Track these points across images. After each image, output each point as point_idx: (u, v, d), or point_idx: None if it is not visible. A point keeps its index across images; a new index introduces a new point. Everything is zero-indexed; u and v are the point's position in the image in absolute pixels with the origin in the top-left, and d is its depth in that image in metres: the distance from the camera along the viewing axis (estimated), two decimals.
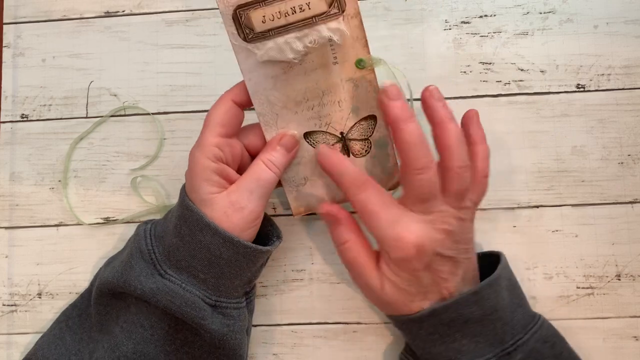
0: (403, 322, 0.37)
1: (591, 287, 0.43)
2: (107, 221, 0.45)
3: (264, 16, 0.35)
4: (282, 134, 0.38)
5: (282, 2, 0.34)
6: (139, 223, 0.43)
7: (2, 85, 0.47)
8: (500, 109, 0.44)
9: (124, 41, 0.47)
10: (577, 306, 0.43)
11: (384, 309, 0.39)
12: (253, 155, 0.39)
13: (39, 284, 0.45)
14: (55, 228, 0.46)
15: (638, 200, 0.43)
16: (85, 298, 0.42)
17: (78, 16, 0.47)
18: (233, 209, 0.37)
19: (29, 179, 0.46)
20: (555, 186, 0.44)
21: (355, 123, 0.39)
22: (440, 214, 0.36)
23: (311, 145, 0.39)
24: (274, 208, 0.45)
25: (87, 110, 0.46)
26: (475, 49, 0.45)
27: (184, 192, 0.38)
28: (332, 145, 0.39)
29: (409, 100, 0.39)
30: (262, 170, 0.37)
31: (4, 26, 0.47)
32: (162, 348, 0.37)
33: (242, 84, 0.37)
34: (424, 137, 0.35)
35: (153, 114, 0.46)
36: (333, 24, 0.35)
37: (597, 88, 0.44)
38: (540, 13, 0.45)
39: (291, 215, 0.43)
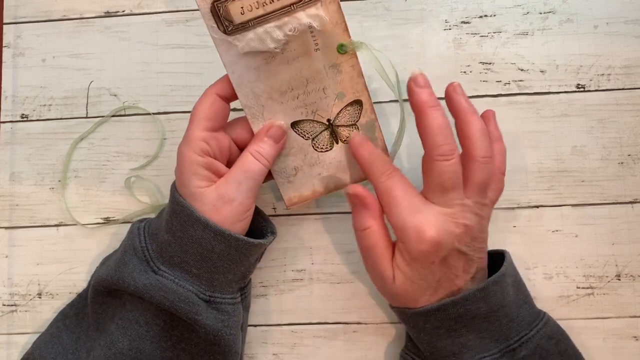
0: (409, 315, 0.37)
1: (591, 287, 0.43)
2: (107, 221, 0.45)
3: (242, 7, 0.35)
4: (270, 125, 0.38)
5: None
6: None
7: (2, 85, 0.47)
8: (500, 109, 0.44)
9: (124, 41, 0.47)
10: (577, 306, 0.43)
11: (392, 301, 0.39)
12: (241, 149, 0.39)
13: (39, 284, 0.45)
14: (55, 228, 0.46)
15: (638, 200, 0.43)
16: (82, 297, 0.42)
17: (78, 16, 0.47)
18: (222, 202, 0.37)
19: (29, 179, 0.46)
20: (555, 186, 0.44)
21: (342, 109, 0.39)
22: (461, 208, 0.36)
23: (299, 135, 0.39)
24: (274, 208, 0.45)
25: (87, 110, 0.46)
26: (475, 49, 0.45)
27: (174, 188, 0.38)
28: (320, 133, 0.39)
29: (401, 101, 0.39)
30: (251, 162, 0.37)
31: (4, 26, 0.47)
32: (157, 344, 0.38)
33: (225, 78, 0.37)
34: (449, 125, 0.36)
35: (153, 114, 0.46)
36: (312, 10, 0.35)
37: (597, 88, 0.44)
38: (540, 13, 0.45)
39: (291, 215, 0.43)
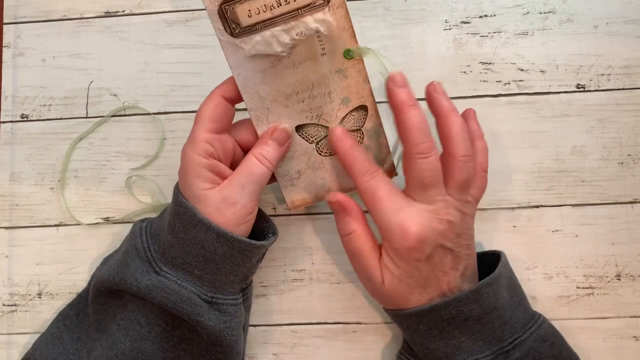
0: (402, 317, 0.37)
1: (591, 287, 0.43)
2: (107, 221, 0.45)
3: (249, 10, 0.35)
4: (274, 128, 0.38)
5: None
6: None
7: (2, 85, 0.47)
8: (500, 109, 0.44)
9: (124, 41, 0.47)
10: (577, 306, 0.43)
11: (383, 303, 0.39)
12: (245, 151, 0.39)
13: (39, 284, 0.45)
14: (55, 228, 0.46)
15: (638, 200, 0.43)
16: (82, 297, 0.42)
17: (78, 16, 0.47)
18: (226, 204, 0.37)
19: (29, 179, 0.46)
20: (555, 186, 0.44)
21: (347, 114, 0.39)
22: (444, 204, 0.36)
23: (304, 138, 0.39)
24: (273, 208, 0.45)
25: (87, 110, 0.46)
26: (475, 49, 0.45)
27: (177, 189, 0.38)
28: (325, 137, 0.39)
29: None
30: (254, 165, 0.37)
31: (4, 26, 0.47)
32: (159, 345, 0.38)
33: (231, 80, 0.37)
34: (427, 124, 0.36)
35: (153, 114, 0.46)
36: (319, 15, 0.35)
37: (597, 88, 0.44)
38: (540, 13, 0.45)
39: (291, 215, 0.43)
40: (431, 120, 0.37)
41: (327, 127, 0.39)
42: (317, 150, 0.40)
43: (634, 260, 0.43)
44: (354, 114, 0.39)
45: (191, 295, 0.37)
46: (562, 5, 0.45)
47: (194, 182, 0.37)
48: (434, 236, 0.35)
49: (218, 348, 0.38)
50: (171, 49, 0.46)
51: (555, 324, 0.39)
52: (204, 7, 0.46)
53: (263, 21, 0.35)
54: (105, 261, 0.42)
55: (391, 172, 0.41)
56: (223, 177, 0.38)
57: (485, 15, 0.45)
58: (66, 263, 0.45)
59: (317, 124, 0.39)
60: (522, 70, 0.45)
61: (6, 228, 0.46)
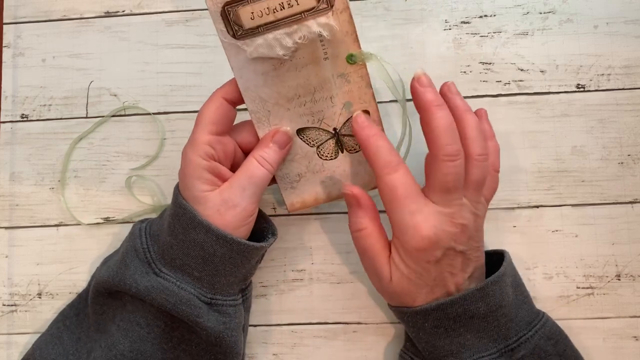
0: (408, 315, 0.37)
1: (591, 287, 0.43)
2: (107, 221, 0.45)
3: (252, 13, 0.35)
4: (275, 131, 0.38)
5: None
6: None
7: (2, 85, 0.47)
8: (500, 109, 0.44)
9: (124, 41, 0.47)
10: (577, 306, 0.43)
11: (390, 300, 0.39)
12: (246, 153, 0.39)
13: (39, 284, 0.45)
14: (55, 228, 0.46)
15: (638, 200, 0.43)
16: (82, 298, 0.42)
17: (78, 16, 0.47)
18: (226, 206, 0.37)
19: (29, 179, 0.46)
20: (555, 186, 0.44)
21: (348, 119, 0.39)
22: (460, 207, 0.36)
23: (304, 141, 0.39)
24: (273, 208, 0.45)
25: (87, 110, 0.46)
26: (475, 49, 0.45)
27: (177, 190, 0.38)
28: (326, 141, 0.39)
29: (403, 100, 0.39)
30: (255, 168, 0.37)
31: (4, 26, 0.47)
32: (158, 346, 0.38)
33: (232, 82, 0.37)
34: (454, 124, 0.35)
35: (153, 114, 0.46)
36: (322, 19, 0.35)
37: (597, 88, 0.44)
38: (540, 13, 0.45)
39: (291, 215, 0.43)
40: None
41: (329, 132, 0.39)
42: (317, 154, 0.40)
43: (634, 260, 0.43)
44: None
45: (190, 296, 0.37)
46: (562, 5, 0.45)
47: (195, 183, 0.37)
48: (447, 239, 0.35)
49: (217, 349, 0.38)
50: (171, 49, 0.46)
51: None
52: (204, 7, 0.47)
53: (266, 24, 0.35)
54: (105, 261, 0.42)
55: None
56: (223, 179, 0.38)
57: (485, 15, 0.45)
58: (66, 263, 0.45)
59: (319, 128, 0.39)
60: (522, 70, 0.45)
61: (6, 228, 0.46)
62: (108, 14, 0.47)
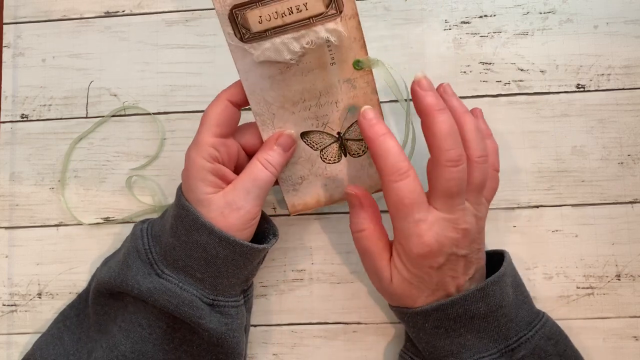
0: (408, 315, 0.37)
1: (591, 287, 0.43)
2: (107, 221, 0.45)
3: (260, 16, 0.34)
4: (279, 133, 0.38)
5: (279, 3, 0.34)
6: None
7: (2, 85, 0.47)
8: (500, 109, 0.44)
9: (124, 41, 0.47)
10: (577, 306, 0.43)
11: (390, 300, 0.39)
12: (250, 155, 0.39)
13: (39, 284, 0.45)
14: (55, 228, 0.46)
15: (638, 200, 0.43)
16: (82, 298, 0.42)
17: (78, 16, 0.47)
18: (230, 209, 0.37)
19: (29, 179, 0.46)
20: (555, 186, 0.44)
21: (353, 123, 0.39)
22: (463, 212, 0.35)
23: (308, 145, 0.39)
24: (273, 208, 0.45)
25: (87, 110, 0.46)
26: (475, 49, 0.45)
27: (180, 191, 0.38)
28: (329, 145, 0.39)
29: (405, 100, 0.39)
30: (259, 170, 0.37)
31: (4, 26, 0.47)
32: (160, 347, 0.38)
33: (238, 84, 0.37)
34: (456, 128, 0.35)
35: (153, 114, 0.46)
36: (330, 25, 0.35)
37: (597, 88, 0.44)
38: (540, 13, 0.45)
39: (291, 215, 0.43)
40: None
41: (333, 135, 0.39)
42: (321, 157, 0.40)
43: (634, 260, 0.43)
44: None
45: (193, 298, 0.37)
46: (562, 5, 0.45)
47: (198, 185, 0.37)
48: (450, 245, 0.35)
49: (219, 349, 0.38)
50: (171, 49, 0.46)
51: None
52: (204, 7, 0.47)
53: (274, 28, 0.35)
54: (106, 262, 0.42)
55: None
56: (227, 182, 0.38)
57: (485, 15, 0.45)
58: (66, 263, 0.45)
59: (323, 132, 0.39)
60: (522, 70, 0.45)
61: (6, 228, 0.46)
62: (108, 14, 0.47)
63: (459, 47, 0.45)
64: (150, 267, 0.38)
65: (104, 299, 0.40)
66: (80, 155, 0.46)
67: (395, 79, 0.37)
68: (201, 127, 0.37)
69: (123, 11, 0.47)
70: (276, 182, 0.40)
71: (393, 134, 0.36)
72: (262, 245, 0.38)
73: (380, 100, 0.39)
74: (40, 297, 0.45)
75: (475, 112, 0.41)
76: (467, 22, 0.45)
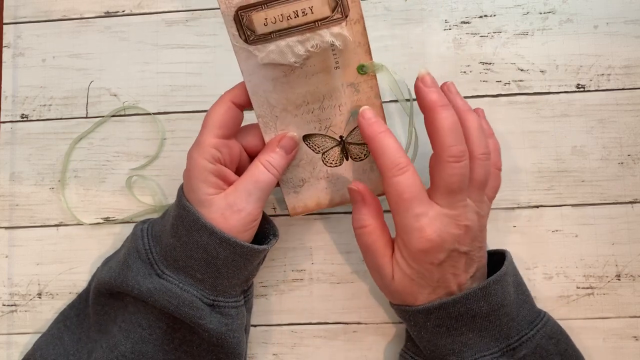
0: (410, 313, 0.37)
1: (591, 287, 0.43)
2: (107, 221, 0.45)
3: (265, 19, 0.34)
4: (282, 136, 0.38)
5: (285, 6, 0.34)
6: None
7: (2, 85, 0.47)
8: (500, 109, 0.44)
9: (124, 41, 0.47)
10: (577, 306, 0.43)
11: (391, 298, 0.39)
12: (251, 156, 0.39)
13: (39, 284, 0.45)
14: (55, 228, 0.46)
15: (638, 200, 0.43)
16: (82, 298, 0.42)
17: (78, 16, 0.47)
18: (231, 210, 0.37)
19: (29, 179, 0.46)
20: (555, 186, 0.44)
21: (355, 127, 0.39)
22: (465, 209, 0.35)
23: (310, 148, 0.39)
24: (273, 208, 0.45)
25: (87, 110, 0.46)
26: (475, 49, 0.45)
27: (181, 192, 0.38)
28: (331, 148, 0.39)
29: (407, 100, 0.39)
30: (261, 172, 0.37)
31: (4, 26, 0.47)
32: (160, 347, 0.38)
33: (241, 85, 0.37)
34: (459, 125, 0.35)
35: (153, 114, 0.46)
36: (336, 29, 0.35)
37: (597, 88, 0.44)
38: (540, 13, 0.45)
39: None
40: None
41: (335, 139, 0.39)
42: (322, 161, 0.40)
43: (634, 260, 0.43)
44: None
45: (193, 298, 0.37)
46: (562, 5, 0.45)
47: (200, 186, 0.37)
48: (451, 241, 0.35)
49: (220, 350, 0.38)
50: (171, 49, 0.46)
51: None
52: (204, 8, 0.47)
53: (279, 30, 0.35)
54: (106, 262, 0.42)
55: None
56: (228, 183, 0.38)
57: (485, 15, 0.45)
58: (66, 263, 0.45)
59: (325, 135, 0.39)
60: (522, 70, 0.45)
61: (6, 228, 0.46)
62: (108, 14, 0.47)
63: (459, 47, 0.45)
64: (150, 267, 0.38)
65: (104, 299, 0.40)
66: (80, 155, 0.46)
67: (399, 84, 0.37)
68: (203, 128, 0.37)
69: (123, 11, 0.47)
70: (277, 184, 0.40)
71: (392, 133, 0.36)
72: (262, 246, 0.38)
73: (384, 99, 0.39)
74: (40, 297, 0.45)
75: (477, 112, 0.41)
76: (467, 22, 0.45)
